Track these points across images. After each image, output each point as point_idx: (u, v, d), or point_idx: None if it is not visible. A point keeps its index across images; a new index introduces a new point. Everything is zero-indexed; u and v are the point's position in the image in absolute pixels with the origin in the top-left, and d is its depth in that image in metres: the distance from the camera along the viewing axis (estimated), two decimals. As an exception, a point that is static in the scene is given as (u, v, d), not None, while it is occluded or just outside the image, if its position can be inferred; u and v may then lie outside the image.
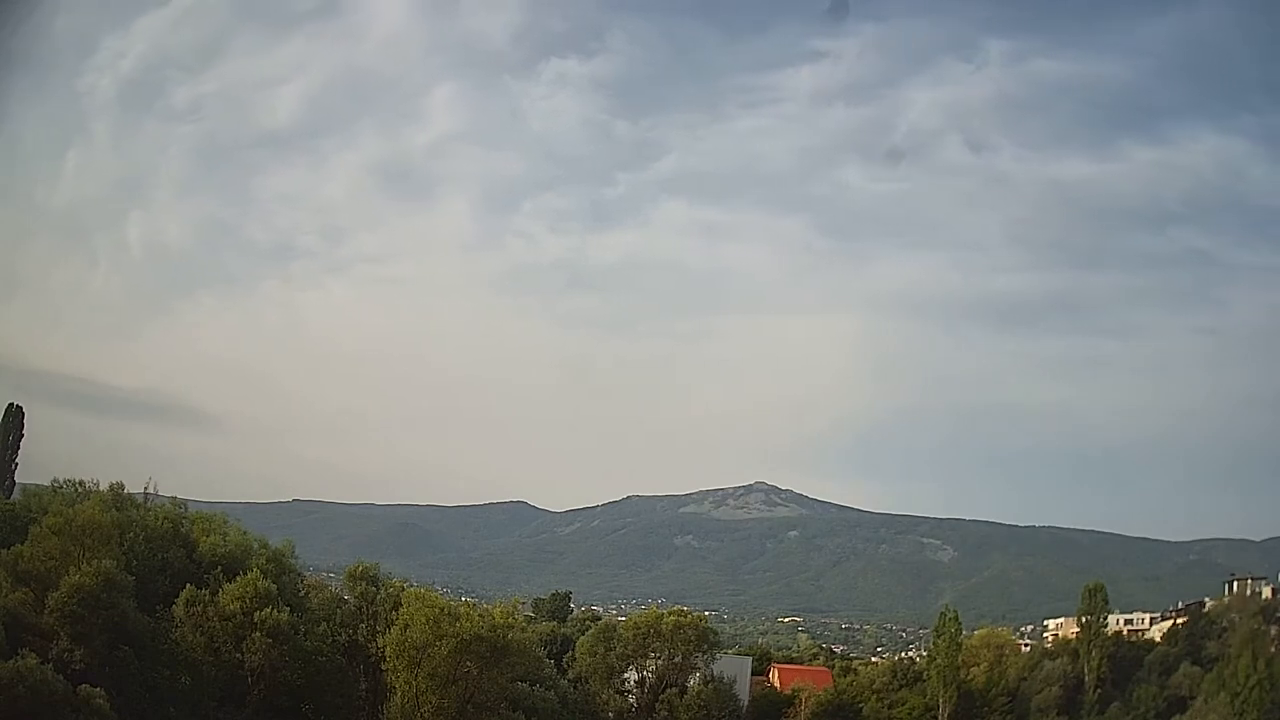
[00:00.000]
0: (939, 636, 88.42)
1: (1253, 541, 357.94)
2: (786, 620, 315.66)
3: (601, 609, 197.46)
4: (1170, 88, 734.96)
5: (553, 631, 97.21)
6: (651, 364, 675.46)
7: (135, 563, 57.36)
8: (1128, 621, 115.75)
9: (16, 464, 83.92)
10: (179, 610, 56.75)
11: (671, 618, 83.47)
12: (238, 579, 58.56)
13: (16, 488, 79.73)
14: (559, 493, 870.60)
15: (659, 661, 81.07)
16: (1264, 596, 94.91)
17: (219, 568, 60.79)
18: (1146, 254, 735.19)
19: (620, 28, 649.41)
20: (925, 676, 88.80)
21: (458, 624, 59.09)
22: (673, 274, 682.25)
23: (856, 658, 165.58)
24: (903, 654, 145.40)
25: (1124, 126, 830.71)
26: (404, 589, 68.06)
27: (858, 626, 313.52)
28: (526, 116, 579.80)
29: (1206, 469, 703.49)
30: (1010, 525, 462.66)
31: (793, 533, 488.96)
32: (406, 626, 58.87)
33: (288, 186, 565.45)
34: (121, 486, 68.12)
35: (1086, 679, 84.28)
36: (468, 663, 59.61)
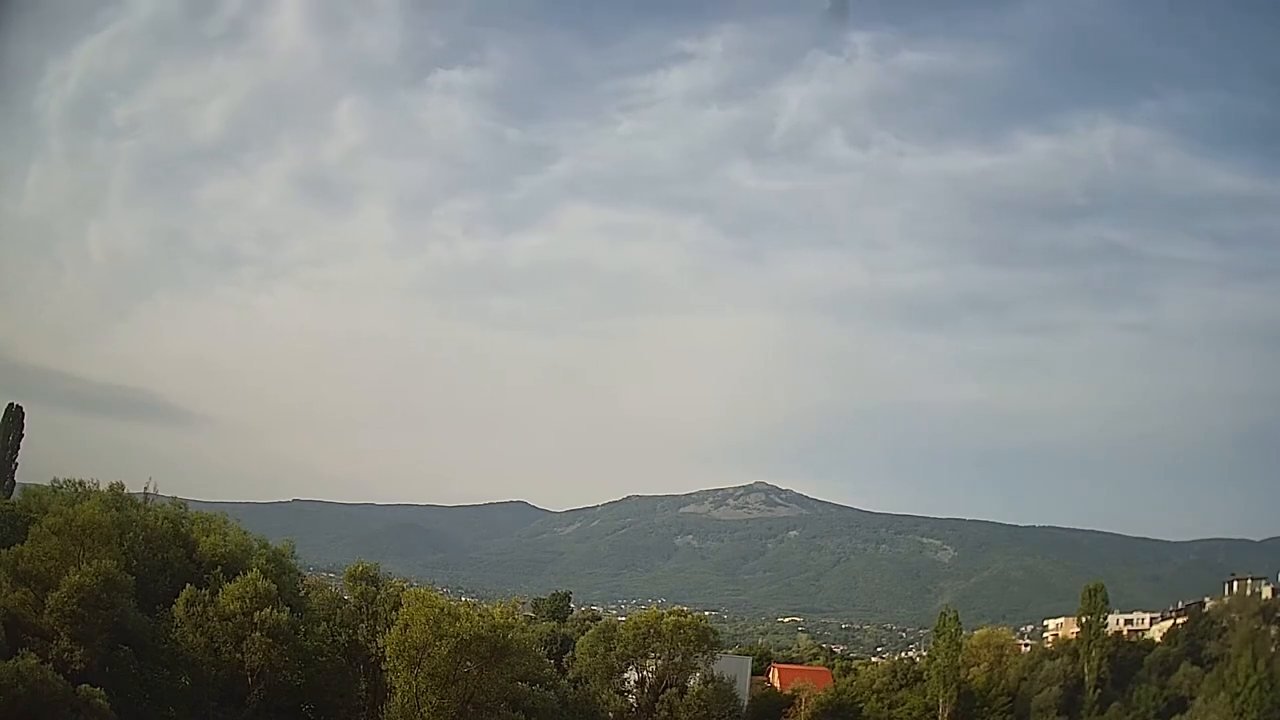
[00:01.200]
0: (939, 636, 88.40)
1: (1253, 541, 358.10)
2: (786, 620, 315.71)
3: (601, 609, 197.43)
4: (1056, 75, 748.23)
5: (553, 631, 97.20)
6: (577, 364, 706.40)
7: (135, 563, 57.38)
8: (1128, 621, 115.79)
9: (16, 464, 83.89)
10: (179, 610, 56.74)
11: (671, 618, 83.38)
12: (238, 579, 58.53)
13: (16, 488, 79.67)
14: (559, 493, 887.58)
15: (659, 661, 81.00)
16: (1264, 596, 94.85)
17: (219, 568, 60.78)
18: (1057, 249, 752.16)
19: (494, 41, 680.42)
20: (925, 676, 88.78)
21: (458, 624, 59.03)
22: (586, 275, 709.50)
23: (856, 658, 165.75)
24: (903, 654, 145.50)
25: (1013, 117, 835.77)
26: (404, 589, 68.03)
27: (858, 626, 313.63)
28: (423, 126, 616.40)
29: (1147, 467, 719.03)
30: (1010, 525, 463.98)
31: (793, 533, 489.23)
32: (406, 626, 58.81)
33: (224, 196, 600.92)
34: (121, 486, 68.09)
35: (1086, 679, 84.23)
36: (468, 663, 59.57)
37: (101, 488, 66.31)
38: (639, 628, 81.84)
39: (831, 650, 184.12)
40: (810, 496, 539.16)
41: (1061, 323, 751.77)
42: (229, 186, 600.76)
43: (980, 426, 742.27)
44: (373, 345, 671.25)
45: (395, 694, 59.32)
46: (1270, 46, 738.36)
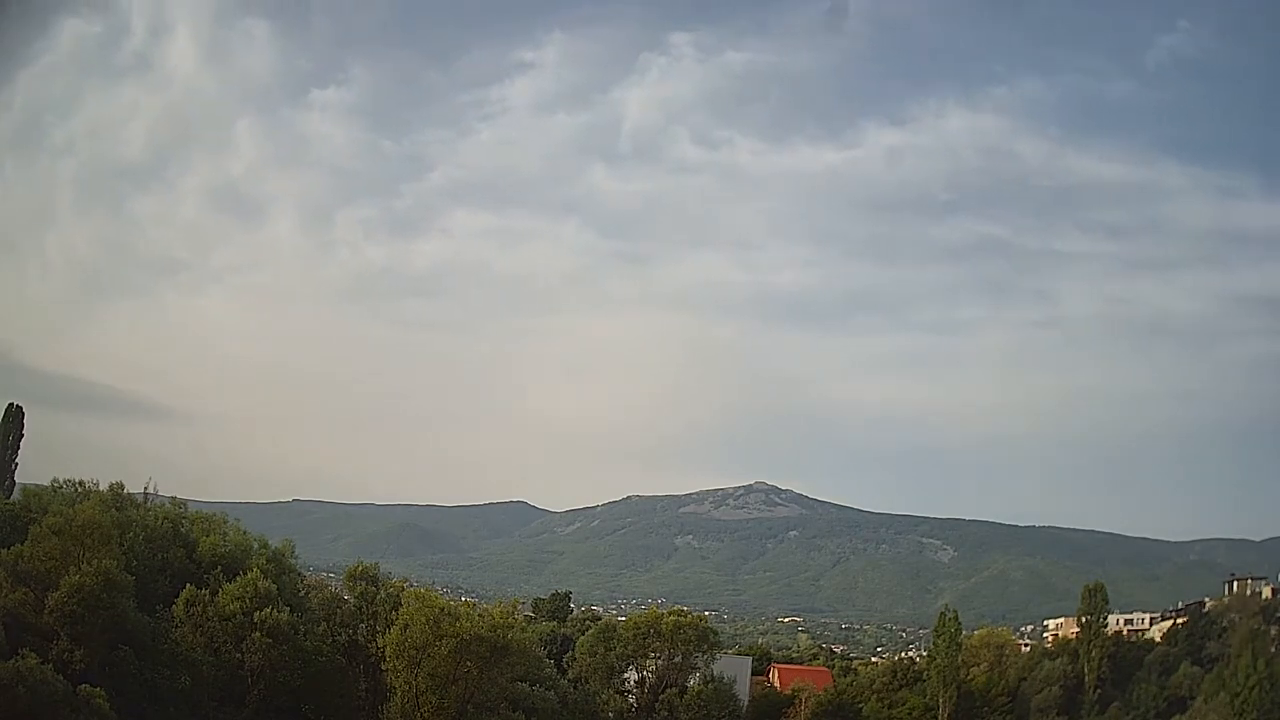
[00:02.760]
0: (939, 636, 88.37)
1: (1253, 541, 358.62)
2: (786, 620, 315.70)
3: (601, 609, 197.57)
4: (890, 66, 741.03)
5: (553, 631, 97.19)
6: (488, 365, 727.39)
7: (135, 563, 57.36)
8: (1128, 621, 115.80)
9: (16, 464, 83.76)
10: (179, 610, 56.75)
11: (671, 618, 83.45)
12: (238, 579, 58.56)
13: (16, 488, 79.59)
14: (559, 493, 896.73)
15: (659, 661, 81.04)
16: (1264, 596, 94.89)
17: (219, 568, 60.80)
18: (934, 245, 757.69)
19: (355, 61, 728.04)
20: (925, 676, 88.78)
21: (458, 624, 59.05)
22: (484, 278, 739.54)
23: (856, 658, 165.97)
24: (903, 654, 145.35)
25: (856, 110, 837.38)
26: (404, 589, 68.04)
27: (858, 626, 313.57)
28: (310, 140, 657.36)
29: (1063, 466, 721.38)
30: (1010, 525, 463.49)
31: (793, 533, 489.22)
32: (406, 626, 58.82)
33: (154, 209, 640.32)
34: (121, 486, 68.19)
35: (1086, 679, 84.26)
36: (468, 663, 59.56)
37: (101, 488, 66.44)
38: (639, 628, 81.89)
39: (831, 650, 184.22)
40: (810, 496, 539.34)
41: (962, 320, 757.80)
42: (157, 200, 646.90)
43: (886, 426, 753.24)
44: (307, 346, 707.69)
45: (395, 694, 59.33)
46: (1121, 27, 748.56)
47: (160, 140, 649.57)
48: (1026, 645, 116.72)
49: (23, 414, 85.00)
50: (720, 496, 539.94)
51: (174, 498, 73.60)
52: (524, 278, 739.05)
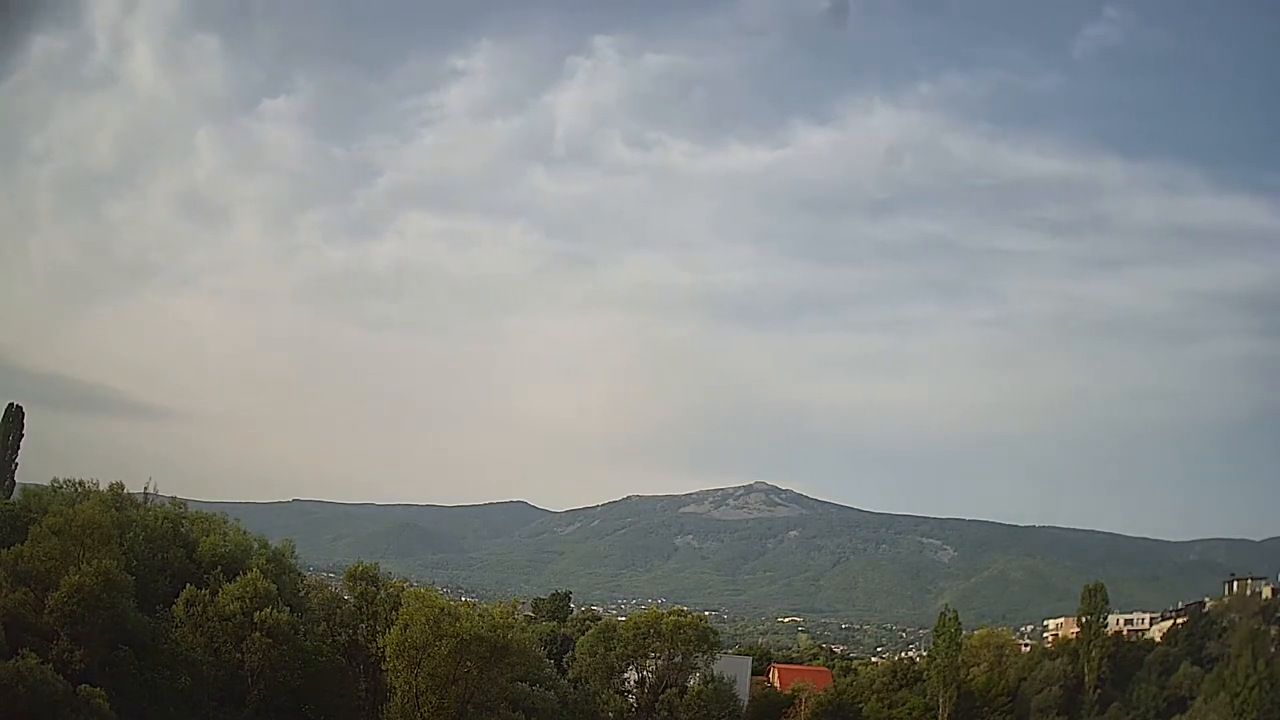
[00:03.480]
0: (939, 636, 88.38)
1: (1253, 541, 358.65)
2: (786, 620, 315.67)
3: (601, 609, 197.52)
4: (810, 65, 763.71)
5: (553, 631, 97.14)
6: (450, 365, 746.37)
7: (135, 563, 57.34)
8: (1128, 621, 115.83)
9: (16, 464, 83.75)
10: (179, 610, 56.72)
11: (671, 618, 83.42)
12: (237, 579, 58.51)
13: (16, 488, 79.57)
14: (559, 493, 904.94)
15: (659, 661, 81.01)
16: (1264, 596, 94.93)
17: (219, 568, 60.75)
18: (874, 244, 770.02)
19: (299, 72, 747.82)
20: (925, 676, 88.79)
21: (458, 624, 59.02)
22: (439, 280, 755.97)
23: (856, 658, 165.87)
24: (903, 654, 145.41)
25: (782, 110, 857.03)
26: (404, 589, 68.03)
27: (858, 626, 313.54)
28: (265, 148, 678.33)
29: (1020, 465, 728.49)
30: (1010, 525, 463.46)
31: (793, 533, 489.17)
32: (406, 626, 58.79)
33: (127, 214, 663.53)
34: (121, 486, 68.14)
35: (1086, 679, 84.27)
36: (468, 663, 59.54)
37: (101, 488, 66.42)
38: (639, 628, 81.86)
39: (831, 650, 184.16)
40: (810, 496, 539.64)
41: (913, 320, 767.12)
42: (129, 205, 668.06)
43: (853, 424, 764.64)
44: (282, 346, 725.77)
45: (395, 694, 59.31)
46: (1043, 19, 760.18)
47: (128, 149, 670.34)
48: (1026, 645, 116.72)
49: (23, 414, 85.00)
50: (720, 496, 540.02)
51: (174, 498, 73.57)
52: (477, 279, 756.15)
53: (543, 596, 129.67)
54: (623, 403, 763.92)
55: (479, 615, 63.35)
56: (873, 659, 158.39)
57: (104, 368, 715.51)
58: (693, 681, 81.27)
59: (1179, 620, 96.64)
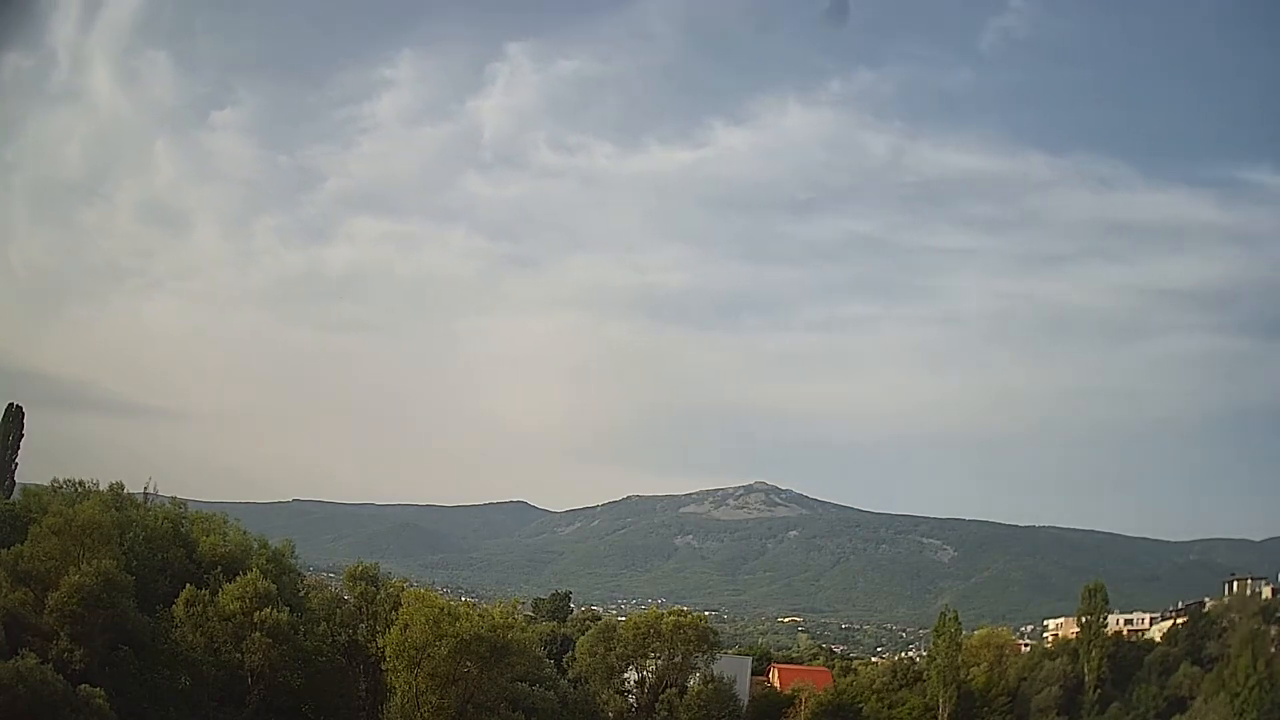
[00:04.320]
0: (939, 636, 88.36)
1: (1253, 541, 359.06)
2: (786, 620, 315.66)
3: (601, 609, 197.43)
4: (717, 66, 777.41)
5: (553, 631, 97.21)
6: (409, 365, 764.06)
7: (135, 563, 57.34)
8: (1128, 621, 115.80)
9: (16, 464, 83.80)
10: (179, 610, 56.70)
11: (671, 618, 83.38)
12: (238, 579, 58.49)
13: (16, 488, 79.61)
14: (559, 493, 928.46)
15: (659, 661, 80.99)
16: (1264, 596, 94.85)
17: (219, 568, 60.75)
18: (806, 244, 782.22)
19: (241, 85, 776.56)
20: (925, 676, 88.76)
21: (458, 624, 59.02)
22: (391, 282, 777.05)
23: (856, 658, 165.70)
24: (903, 654, 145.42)
25: (696, 111, 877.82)
26: (404, 589, 68.00)
27: (858, 626, 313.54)
28: (217, 156, 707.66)
29: (960, 464, 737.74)
30: (1010, 525, 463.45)
31: (793, 533, 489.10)
32: (406, 626, 58.81)
33: (97, 220, 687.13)
34: (121, 486, 68.16)
35: (1086, 679, 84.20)
36: (468, 663, 59.55)
37: (101, 488, 66.40)
38: (639, 628, 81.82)
39: (831, 650, 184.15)
40: (810, 496, 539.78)
41: (853, 319, 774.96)
42: (98, 213, 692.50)
43: (784, 424, 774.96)
44: (245, 349, 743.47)
45: (395, 694, 59.34)
46: (947, 13, 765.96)
47: (93, 159, 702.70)
48: (1026, 645, 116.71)
49: (23, 414, 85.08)
50: (720, 496, 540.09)
51: (174, 498, 73.65)
52: (427, 281, 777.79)
53: (543, 596, 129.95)
54: (579, 403, 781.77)
55: (479, 615, 63.34)
56: (873, 659, 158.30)
57: (84, 366, 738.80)
58: (693, 681, 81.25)
59: (1179, 620, 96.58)
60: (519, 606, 76.00)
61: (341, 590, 73.80)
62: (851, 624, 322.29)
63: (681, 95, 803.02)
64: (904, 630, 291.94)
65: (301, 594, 68.43)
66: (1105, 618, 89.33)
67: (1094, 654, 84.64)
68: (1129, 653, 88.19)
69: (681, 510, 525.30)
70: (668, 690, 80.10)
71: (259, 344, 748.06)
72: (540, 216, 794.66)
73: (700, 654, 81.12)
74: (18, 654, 46.09)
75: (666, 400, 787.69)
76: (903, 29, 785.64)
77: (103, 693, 46.88)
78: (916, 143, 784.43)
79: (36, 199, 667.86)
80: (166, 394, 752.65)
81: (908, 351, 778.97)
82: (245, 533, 69.98)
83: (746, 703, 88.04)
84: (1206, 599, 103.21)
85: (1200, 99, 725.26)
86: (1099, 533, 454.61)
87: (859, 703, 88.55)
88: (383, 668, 60.29)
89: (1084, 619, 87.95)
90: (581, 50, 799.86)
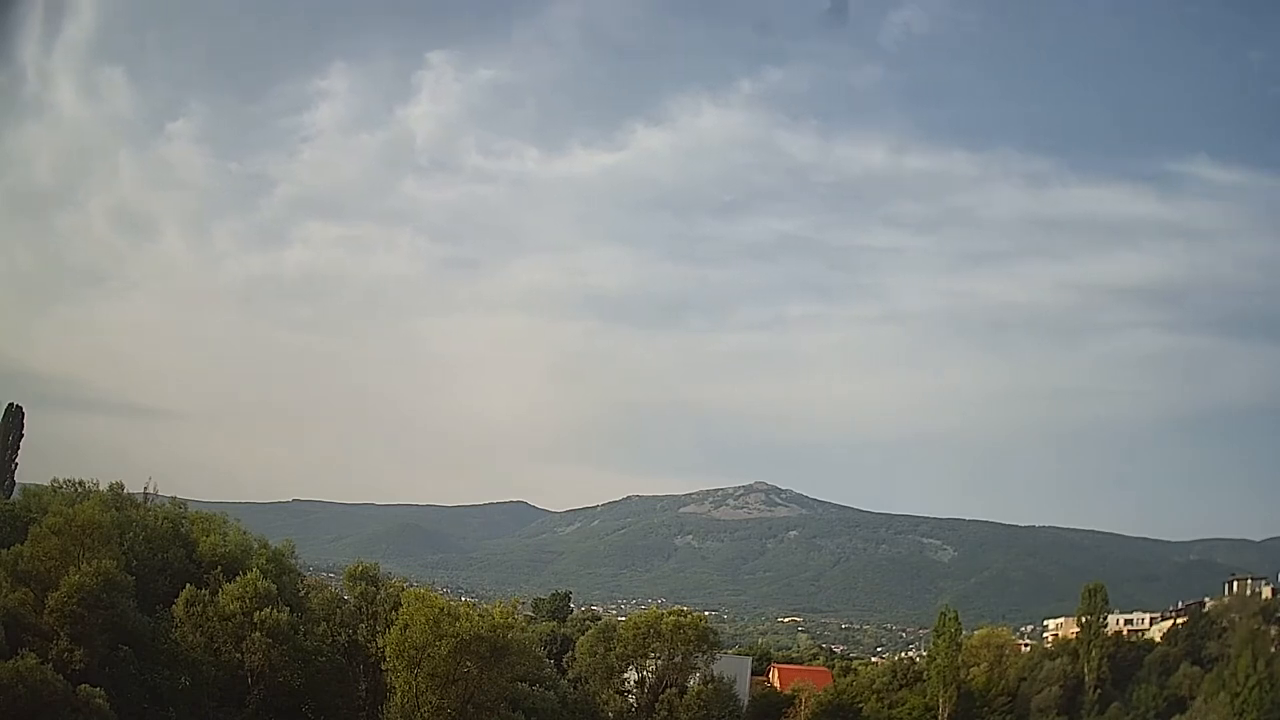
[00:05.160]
0: (939, 636, 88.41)
1: (1253, 541, 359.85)
2: (786, 620, 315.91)
3: (601, 609, 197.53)
4: (633, 69, 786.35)
5: (553, 631, 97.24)
6: (365, 365, 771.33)
7: (135, 563, 57.31)
8: (1128, 621, 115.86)
9: (16, 464, 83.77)
10: (179, 610, 56.70)
11: (671, 618, 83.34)
12: (237, 579, 58.49)
13: (16, 488, 79.60)
14: (559, 493, 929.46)
15: (659, 661, 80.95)
16: (1264, 596, 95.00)
17: (219, 568, 60.73)
18: (737, 244, 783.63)
19: (190, 98, 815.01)
20: (925, 676, 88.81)
21: (458, 624, 58.99)
22: (345, 284, 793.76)
23: (856, 658, 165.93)
24: (903, 654, 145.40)
25: (621, 112, 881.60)
26: (404, 589, 67.98)
27: (858, 626, 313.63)
28: (174, 164, 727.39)
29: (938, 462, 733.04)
30: (1010, 525, 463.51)
31: (793, 533, 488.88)
32: (406, 626, 58.78)
33: (72, 225, 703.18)
34: (121, 486, 68.15)
35: (1086, 679, 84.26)
36: (468, 663, 59.54)
37: (101, 488, 66.41)
38: (639, 628, 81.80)
39: (831, 650, 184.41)
40: (810, 496, 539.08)
41: (794, 319, 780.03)
42: (72, 219, 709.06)
43: (735, 423, 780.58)
44: (219, 348, 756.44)
45: (395, 694, 59.30)
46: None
47: (64, 169, 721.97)
48: (1026, 645, 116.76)
49: (23, 414, 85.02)
50: (720, 496, 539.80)
51: (174, 498, 73.64)
52: (379, 283, 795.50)
53: (543, 596, 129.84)
54: (540, 403, 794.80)
55: (479, 615, 63.28)
56: (873, 659, 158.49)
57: (72, 366, 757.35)
58: (693, 681, 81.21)
59: (1179, 620, 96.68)
60: (519, 606, 75.97)
61: (341, 590, 73.76)
62: (851, 624, 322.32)
63: (597, 99, 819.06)
64: (904, 630, 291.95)
65: (301, 594, 68.40)
66: (1105, 618, 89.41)
67: (1094, 654, 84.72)
68: (1129, 653, 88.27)
69: (681, 510, 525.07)
70: (668, 690, 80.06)
71: (232, 344, 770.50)
72: (480, 219, 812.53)
73: (700, 654, 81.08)
74: (18, 654, 46.06)
75: (625, 400, 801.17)
76: (802, 27, 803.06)
77: (103, 693, 46.84)
78: (833, 141, 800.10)
79: (14, 206, 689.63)
80: (153, 393, 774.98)
81: (849, 352, 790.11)
82: (245, 533, 69.96)
83: (746, 703, 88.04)
84: (1206, 599, 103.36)
85: (1126, 93, 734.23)
86: (1099, 533, 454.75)
87: (859, 703, 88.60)
88: (383, 668, 60.25)
89: (1084, 619, 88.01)
90: (496, 59, 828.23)
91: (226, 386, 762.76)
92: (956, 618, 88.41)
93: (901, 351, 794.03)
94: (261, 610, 56.76)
